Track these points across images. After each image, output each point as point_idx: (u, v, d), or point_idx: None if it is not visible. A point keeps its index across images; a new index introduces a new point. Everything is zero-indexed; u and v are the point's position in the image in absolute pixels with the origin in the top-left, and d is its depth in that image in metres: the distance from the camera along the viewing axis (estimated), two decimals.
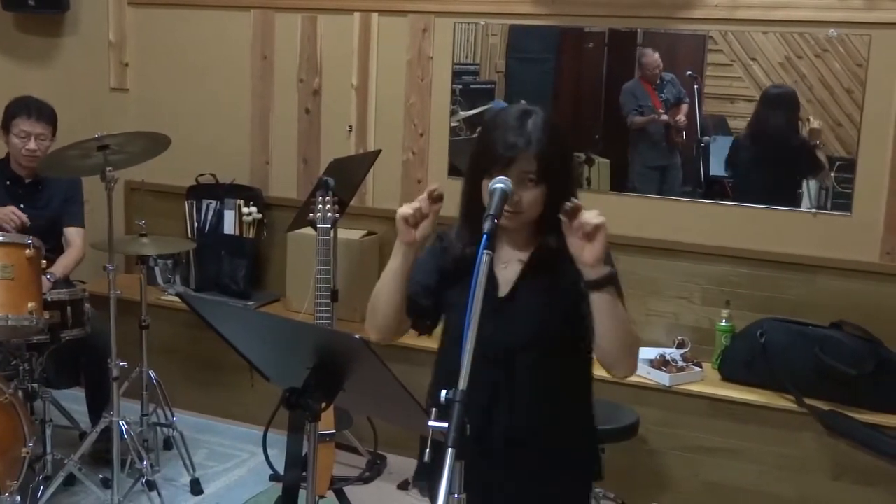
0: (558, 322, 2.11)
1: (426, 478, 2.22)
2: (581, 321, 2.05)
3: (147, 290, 4.18)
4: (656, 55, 4.21)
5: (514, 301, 2.12)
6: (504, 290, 2.13)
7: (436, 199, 2.05)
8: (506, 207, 2.00)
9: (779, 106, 4.06)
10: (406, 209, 2.05)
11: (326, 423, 3.52)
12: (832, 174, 4.01)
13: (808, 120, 4.01)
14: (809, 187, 4.06)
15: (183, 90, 5.15)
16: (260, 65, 4.98)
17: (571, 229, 1.96)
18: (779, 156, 4.10)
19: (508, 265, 2.15)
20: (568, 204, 1.96)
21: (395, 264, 2.12)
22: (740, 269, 4.18)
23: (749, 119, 4.10)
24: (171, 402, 4.29)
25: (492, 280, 2.08)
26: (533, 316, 2.11)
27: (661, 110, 4.24)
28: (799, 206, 4.08)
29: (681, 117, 4.21)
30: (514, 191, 2.01)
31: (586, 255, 1.95)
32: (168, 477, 4.17)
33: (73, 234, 4.26)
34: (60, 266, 4.11)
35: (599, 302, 1.98)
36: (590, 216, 1.95)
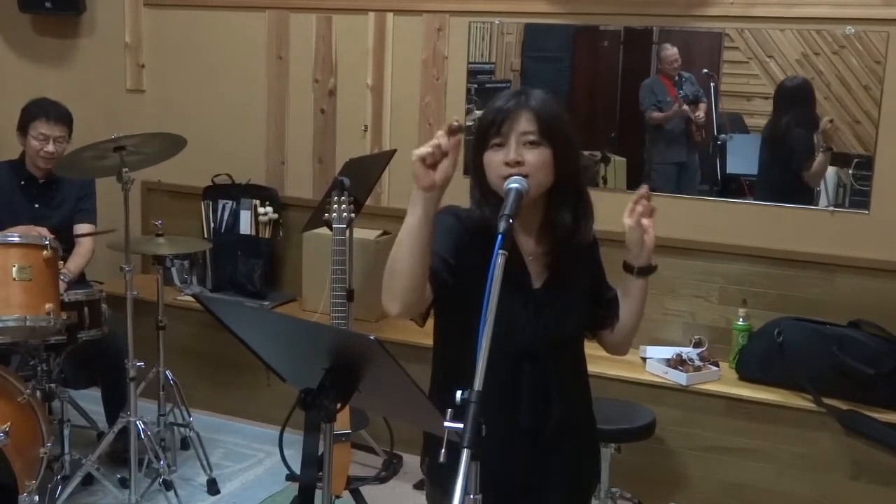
0: (587, 311, 2.19)
1: (438, 480, 2.21)
2: (604, 306, 2.19)
3: (163, 291, 4.19)
4: (674, 49, 4.18)
5: (549, 291, 2.11)
6: (537, 281, 2.11)
7: (454, 131, 1.84)
8: (507, 161, 1.98)
9: (794, 98, 4.04)
10: (423, 149, 1.84)
11: (342, 422, 3.52)
12: (850, 171, 3.99)
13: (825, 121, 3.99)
14: (827, 184, 4.03)
15: (199, 91, 5.17)
16: (275, 65, 4.99)
17: (637, 214, 2.05)
18: (795, 152, 4.09)
19: (534, 256, 2.11)
20: (643, 187, 2.07)
21: (414, 219, 1.87)
22: (757, 267, 4.16)
23: (769, 116, 4.09)
24: (188, 402, 4.31)
25: (522, 269, 2.08)
26: (571, 307, 2.14)
27: (680, 105, 4.22)
28: (816, 204, 4.06)
29: (699, 114, 4.19)
30: (516, 153, 1.99)
31: (648, 241, 2.07)
32: (185, 477, 4.18)
33: (83, 231, 4.28)
34: (73, 265, 4.13)
35: (641, 289, 2.14)
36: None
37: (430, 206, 1.87)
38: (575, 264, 2.14)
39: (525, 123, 2.00)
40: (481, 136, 2.05)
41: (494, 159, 2.01)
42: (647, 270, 2.12)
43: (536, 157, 1.99)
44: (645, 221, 2.06)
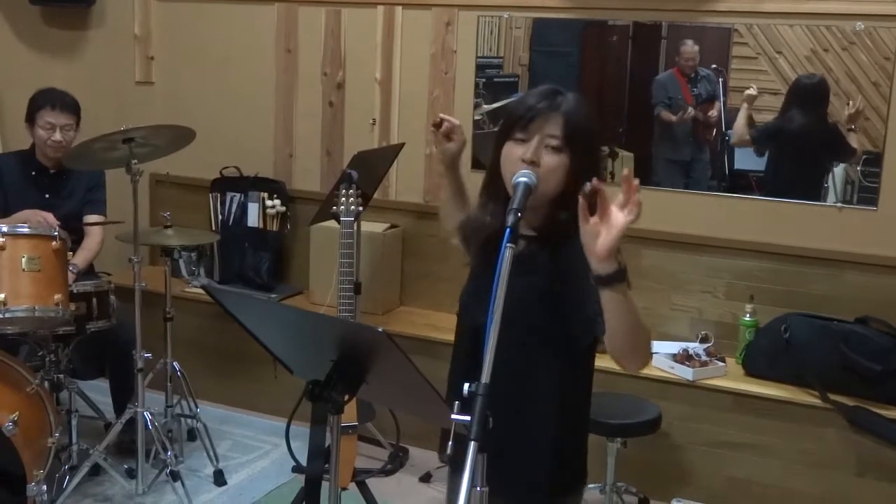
0: (543, 303, 2.00)
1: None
2: (577, 309, 1.94)
3: (171, 282, 4.20)
4: (695, 48, 4.16)
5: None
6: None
7: (436, 124, 2.33)
8: (523, 158, 1.97)
9: (809, 96, 4.03)
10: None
11: (349, 415, 3.53)
12: (858, 168, 3.98)
13: (849, 104, 3.95)
14: (835, 181, 4.03)
15: (208, 83, 5.18)
16: (284, 58, 4.99)
17: (586, 214, 1.78)
18: (806, 148, 4.08)
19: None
20: (588, 184, 1.77)
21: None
22: (764, 263, 4.16)
23: (778, 110, 4.07)
24: (195, 393, 4.32)
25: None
26: (517, 291, 1.89)
27: (692, 104, 4.21)
28: (824, 200, 4.05)
29: (713, 113, 4.18)
30: (534, 153, 1.98)
31: (599, 246, 1.76)
32: (192, 468, 4.19)
33: (93, 222, 4.29)
34: (81, 256, 4.14)
35: (609, 300, 1.82)
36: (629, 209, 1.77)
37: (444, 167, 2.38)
38: (559, 258, 2.00)
39: (552, 126, 1.99)
40: (506, 129, 2.05)
41: (513, 152, 2.02)
42: (603, 280, 1.79)
43: (553, 162, 1.99)
44: (618, 216, 1.75)
